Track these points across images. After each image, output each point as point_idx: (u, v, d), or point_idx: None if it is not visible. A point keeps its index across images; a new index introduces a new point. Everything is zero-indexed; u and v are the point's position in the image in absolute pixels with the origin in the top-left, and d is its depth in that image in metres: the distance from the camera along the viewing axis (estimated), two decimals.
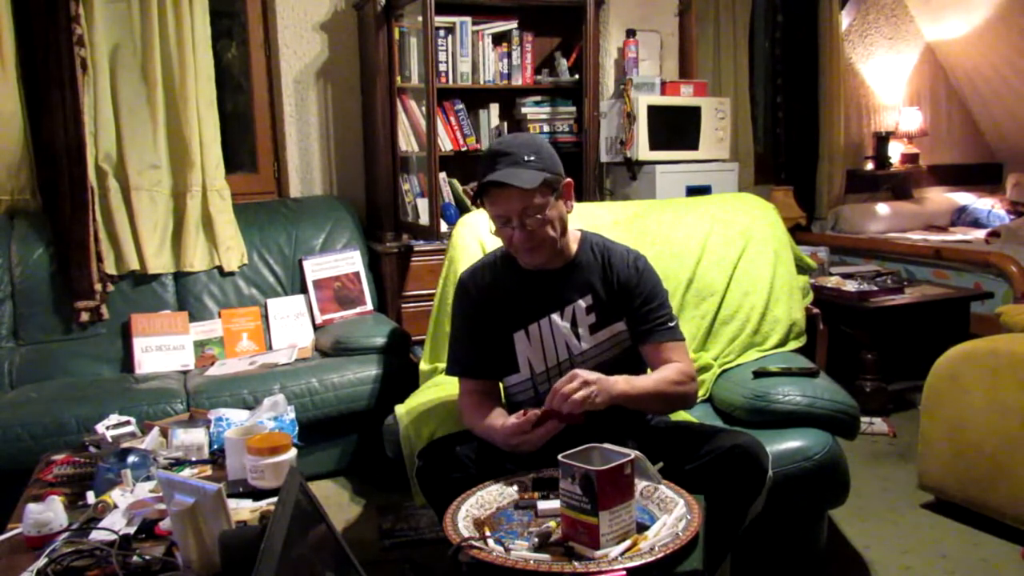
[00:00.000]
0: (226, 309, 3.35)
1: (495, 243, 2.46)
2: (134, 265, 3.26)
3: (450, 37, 3.62)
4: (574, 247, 1.94)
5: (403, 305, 3.52)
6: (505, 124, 3.85)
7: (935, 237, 5.21)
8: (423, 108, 3.48)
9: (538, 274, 1.92)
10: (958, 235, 5.32)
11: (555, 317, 1.90)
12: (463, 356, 1.96)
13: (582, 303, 1.91)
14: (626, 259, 1.94)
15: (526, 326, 1.91)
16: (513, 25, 3.76)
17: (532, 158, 1.78)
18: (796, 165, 5.47)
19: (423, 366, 2.55)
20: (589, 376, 1.70)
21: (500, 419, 1.80)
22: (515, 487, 1.68)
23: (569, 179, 1.87)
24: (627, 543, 1.42)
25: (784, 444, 2.04)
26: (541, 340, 1.91)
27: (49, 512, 1.67)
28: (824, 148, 5.45)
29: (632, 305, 1.90)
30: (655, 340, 1.89)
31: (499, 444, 1.78)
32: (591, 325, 1.91)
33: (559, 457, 1.46)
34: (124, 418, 2.28)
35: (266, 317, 3.39)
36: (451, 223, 3.32)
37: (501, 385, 2.01)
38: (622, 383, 1.75)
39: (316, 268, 3.48)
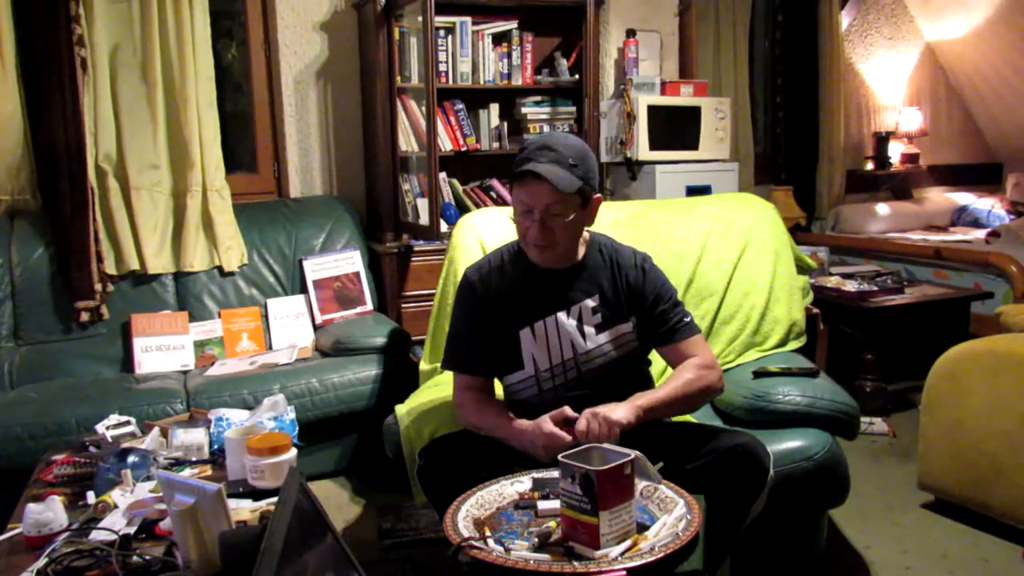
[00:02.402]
0: (226, 309, 3.35)
1: (495, 243, 2.46)
2: (134, 265, 3.26)
3: (450, 37, 3.62)
4: (583, 249, 1.96)
5: (403, 305, 3.52)
6: (505, 124, 3.85)
7: (935, 237, 5.21)
8: (423, 108, 3.48)
9: (546, 273, 1.93)
10: (958, 235, 5.32)
11: (561, 316, 1.91)
12: (463, 352, 1.97)
13: (589, 303, 1.92)
14: (633, 260, 1.96)
15: (532, 323, 1.92)
16: (513, 25, 3.76)
17: (576, 164, 1.80)
18: (796, 165, 5.47)
19: (423, 366, 2.55)
20: (596, 411, 1.71)
21: (510, 416, 1.84)
22: (515, 487, 1.68)
23: (599, 196, 1.89)
24: (627, 543, 1.42)
25: (784, 444, 2.04)
26: (547, 338, 1.92)
27: (49, 512, 1.67)
28: (824, 148, 5.45)
29: (643, 307, 1.93)
30: (674, 340, 1.92)
31: (511, 441, 1.79)
32: (597, 325, 1.91)
33: (559, 457, 1.46)
34: (124, 418, 2.28)
35: (266, 317, 3.39)
36: (451, 223, 3.32)
37: (498, 383, 2.02)
38: (639, 401, 1.76)
39: (316, 268, 3.48)
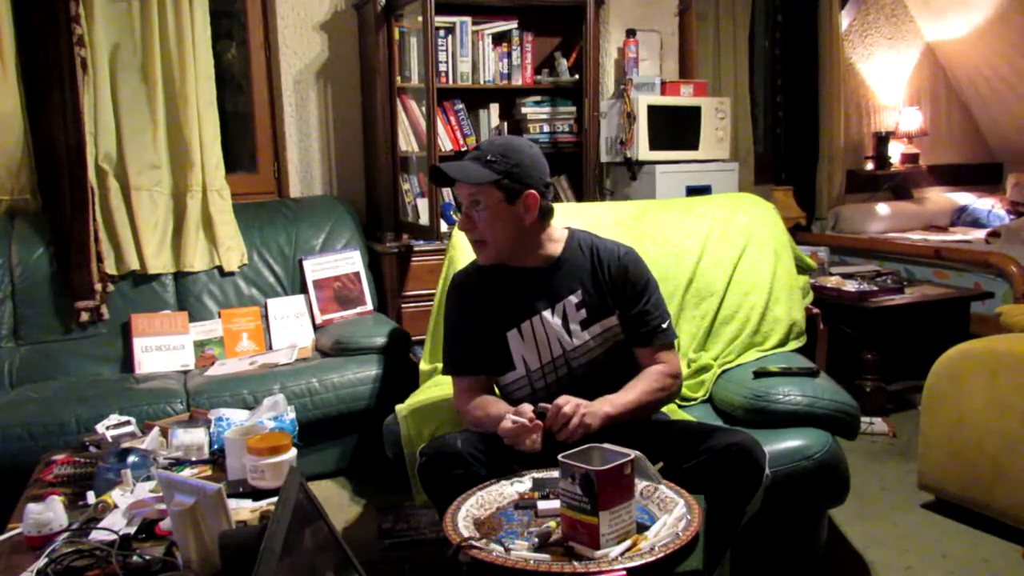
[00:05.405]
0: (226, 309, 3.35)
1: None
2: (134, 265, 3.26)
3: (450, 37, 3.62)
4: (560, 246, 1.97)
5: (403, 305, 3.52)
6: (505, 124, 3.85)
7: (935, 237, 5.20)
8: (423, 108, 3.48)
9: (525, 273, 1.94)
10: (958, 235, 5.32)
11: (546, 314, 1.93)
12: (459, 355, 1.98)
13: (572, 299, 1.93)
14: (615, 253, 1.97)
15: (518, 324, 1.93)
16: (513, 25, 3.75)
17: (496, 159, 1.83)
18: (796, 165, 5.47)
19: (423, 366, 2.55)
20: (580, 402, 1.74)
21: (496, 406, 1.86)
22: (515, 487, 1.68)
23: (532, 191, 1.86)
24: (627, 543, 1.42)
25: (784, 444, 2.04)
26: (534, 337, 1.93)
27: (49, 512, 1.67)
28: (824, 148, 5.44)
29: (625, 301, 1.94)
30: (651, 344, 1.95)
31: (497, 431, 1.78)
32: (582, 320, 1.93)
33: (559, 457, 1.46)
34: (124, 418, 2.28)
35: (266, 317, 3.39)
36: (451, 223, 3.32)
37: (496, 386, 2.03)
38: (607, 407, 1.79)
39: (316, 268, 3.48)
